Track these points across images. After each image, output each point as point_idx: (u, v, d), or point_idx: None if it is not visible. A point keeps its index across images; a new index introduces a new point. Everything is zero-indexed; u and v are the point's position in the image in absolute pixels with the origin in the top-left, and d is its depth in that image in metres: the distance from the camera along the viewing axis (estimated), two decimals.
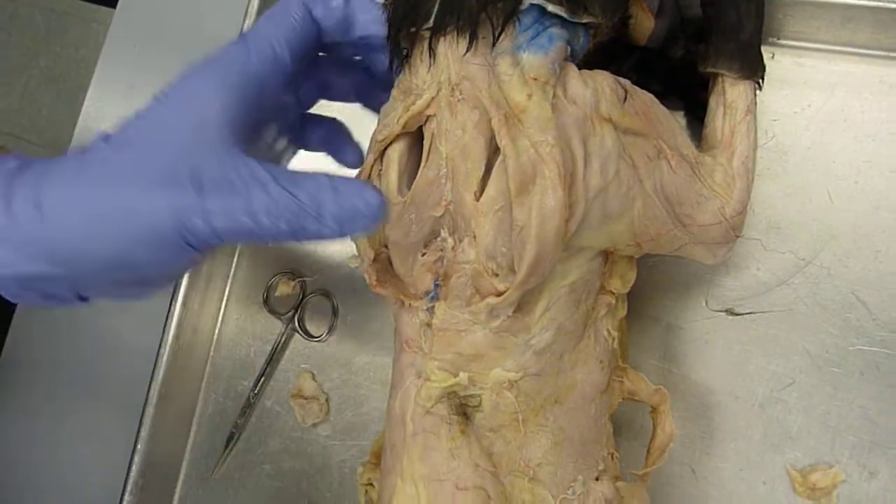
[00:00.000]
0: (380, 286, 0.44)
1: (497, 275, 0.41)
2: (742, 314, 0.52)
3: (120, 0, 0.72)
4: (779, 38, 0.55)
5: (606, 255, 0.45)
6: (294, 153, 0.49)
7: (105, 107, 0.70)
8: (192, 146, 0.36)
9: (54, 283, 0.38)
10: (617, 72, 0.44)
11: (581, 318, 0.44)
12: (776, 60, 0.55)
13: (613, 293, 0.46)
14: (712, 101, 0.49)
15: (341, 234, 0.36)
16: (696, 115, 0.52)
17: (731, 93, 0.48)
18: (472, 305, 0.42)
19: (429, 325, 0.44)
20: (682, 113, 0.55)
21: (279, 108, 0.44)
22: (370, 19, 0.42)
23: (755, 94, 0.48)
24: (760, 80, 0.48)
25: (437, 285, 0.43)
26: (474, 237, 0.41)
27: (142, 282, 0.38)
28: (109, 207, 0.35)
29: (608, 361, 0.46)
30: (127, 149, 0.37)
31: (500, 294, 0.41)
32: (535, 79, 0.40)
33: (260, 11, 0.62)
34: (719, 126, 0.48)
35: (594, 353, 0.45)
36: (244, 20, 0.62)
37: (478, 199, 0.40)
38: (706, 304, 0.53)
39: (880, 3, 0.50)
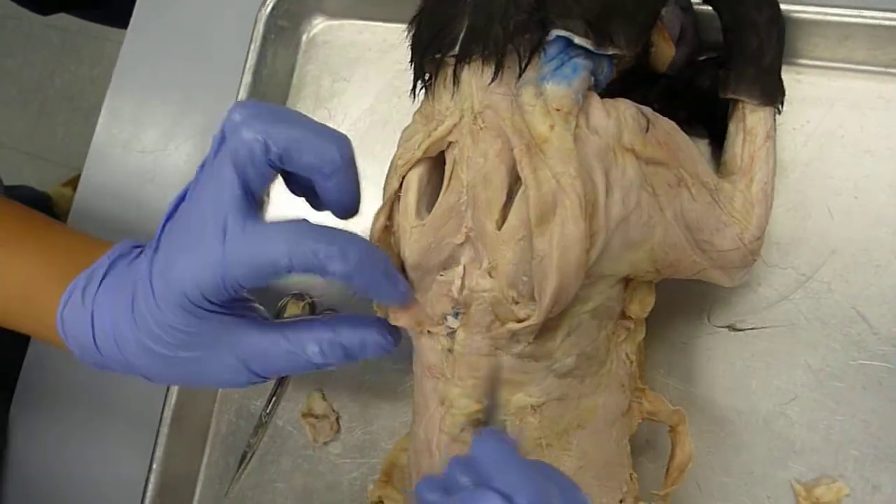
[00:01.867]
0: (394, 317, 0.43)
1: (517, 302, 0.40)
2: (744, 330, 0.51)
3: (131, 21, 0.73)
4: None
5: (626, 281, 0.44)
6: None
7: (119, 126, 0.69)
8: (224, 223, 0.39)
9: None
10: (642, 99, 0.44)
11: (602, 343, 0.43)
12: None
13: (632, 318, 0.45)
14: (732, 127, 0.47)
15: (347, 274, 0.39)
16: (721, 144, 0.50)
17: (751, 119, 0.46)
18: (492, 331, 0.41)
19: (450, 350, 0.42)
20: (706, 141, 0.54)
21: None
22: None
23: (775, 120, 0.47)
24: (780, 105, 0.47)
25: (457, 314, 0.41)
26: (496, 266, 0.39)
27: None
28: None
29: (629, 384, 0.44)
30: (182, 236, 0.41)
31: (520, 321, 0.40)
32: (558, 109, 0.39)
33: (265, 34, 0.62)
34: (739, 152, 0.46)
35: (616, 376, 0.44)
36: (250, 42, 0.62)
37: (499, 228, 0.39)
38: (708, 320, 0.52)
39: (876, 21, 0.49)
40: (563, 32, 0.39)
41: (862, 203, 0.51)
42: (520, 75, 0.39)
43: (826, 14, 0.50)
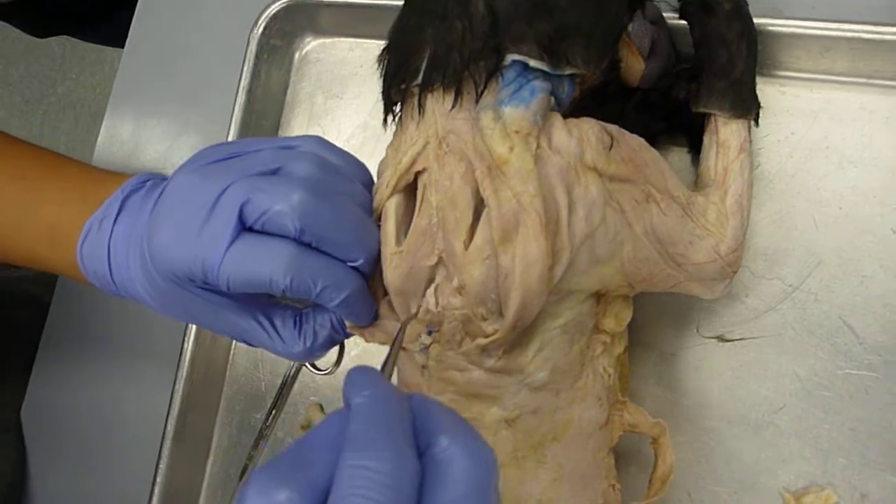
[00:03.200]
0: (368, 335, 0.45)
1: (486, 319, 0.42)
2: (733, 340, 0.52)
3: (127, 41, 0.74)
4: (761, 68, 0.54)
5: (599, 296, 0.45)
6: None
7: (117, 146, 0.71)
8: (233, 228, 0.41)
9: None
10: (619, 113, 0.45)
11: (576, 357, 0.44)
12: (759, 90, 0.55)
13: (608, 332, 0.46)
14: (706, 140, 0.49)
15: (336, 305, 0.42)
16: (699, 153, 0.52)
17: (723, 132, 0.47)
18: (463, 347, 0.43)
19: (425, 366, 0.44)
20: (685, 149, 0.55)
21: None
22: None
23: (749, 132, 0.48)
24: (755, 118, 0.48)
25: (430, 332, 0.43)
26: (464, 284, 0.41)
27: None
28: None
29: (606, 398, 0.46)
30: (186, 212, 0.42)
31: (488, 336, 0.42)
32: (517, 131, 0.40)
33: (258, 54, 0.63)
34: (712, 165, 0.48)
35: (592, 390, 0.45)
36: (244, 62, 0.63)
37: (466, 248, 0.41)
38: (698, 330, 0.53)
39: (856, 34, 0.50)
40: (517, 57, 0.41)
41: (847, 213, 0.52)
42: (477, 100, 0.41)
43: (807, 28, 0.52)
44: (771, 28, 0.52)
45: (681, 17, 0.50)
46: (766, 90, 0.55)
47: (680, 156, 0.55)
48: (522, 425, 0.43)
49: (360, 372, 0.32)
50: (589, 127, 0.42)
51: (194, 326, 0.60)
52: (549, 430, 0.44)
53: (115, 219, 0.46)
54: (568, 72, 0.42)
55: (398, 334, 0.42)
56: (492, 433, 0.43)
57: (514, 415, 0.43)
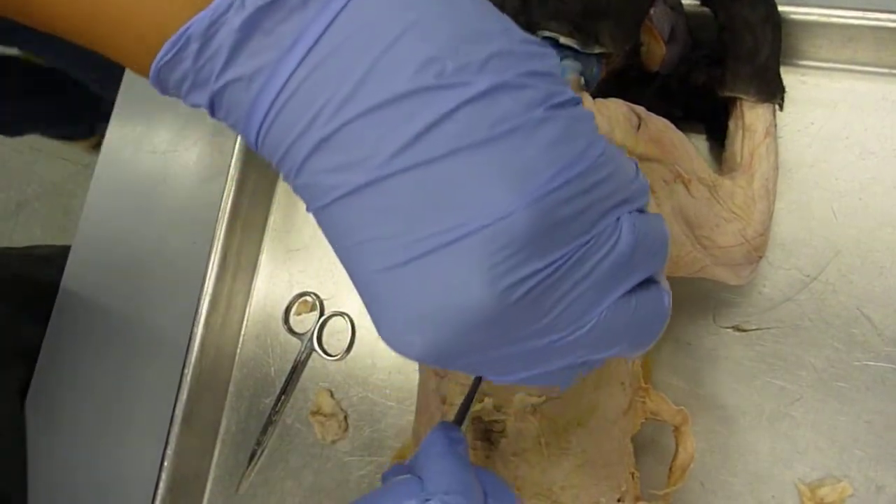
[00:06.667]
0: None
1: None
2: (749, 330, 0.52)
3: None
4: (782, 56, 0.54)
5: None
6: None
7: (130, 127, 0.70)
8: None
9: None
10: (639, 97, 0.44)
11: None
12: None
13: None
14: (731, 125, 0.48)
15: None
16: (718, 139, 0.51)
17: (749, 116, 0.47)
18: None
19: None
20: (704, 137, 0.54)
21: None
22: None
23: (774, 116, 0.47)
24: (780, 102, 0.48)
25: None
26: None
27: None
28: None
29: (629, 383, 0.45)
30: None
31: None
32: None
33: None
34: (738, 149, 0.47)
35: (616, 374, 0.44)
36: None
37: None
38: (714, 320, 0.52)
39: (881, 23, 0.49)
40: (548, 33, 0.41)
41: (866, 204, 0.51)
42: None
43: (830, 16, 0.50)
44: (794, 16, 0.51)
45: (703, 4, 0.49)
46: (786, 79, 0.53)
47: (698, 142, 0.54)
48: (548, 410, 0.42)
49: (443, 458, 0.32)
50: (616, 107, 0.42)
51: (204, 310, 0.58)
52: (574, 415, 0.43)
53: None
54: (597, 51, 0.41)
55: (474, 386, 0.40)
56: (518, 419, 0.42)
57: (541, 400, 0.42)
